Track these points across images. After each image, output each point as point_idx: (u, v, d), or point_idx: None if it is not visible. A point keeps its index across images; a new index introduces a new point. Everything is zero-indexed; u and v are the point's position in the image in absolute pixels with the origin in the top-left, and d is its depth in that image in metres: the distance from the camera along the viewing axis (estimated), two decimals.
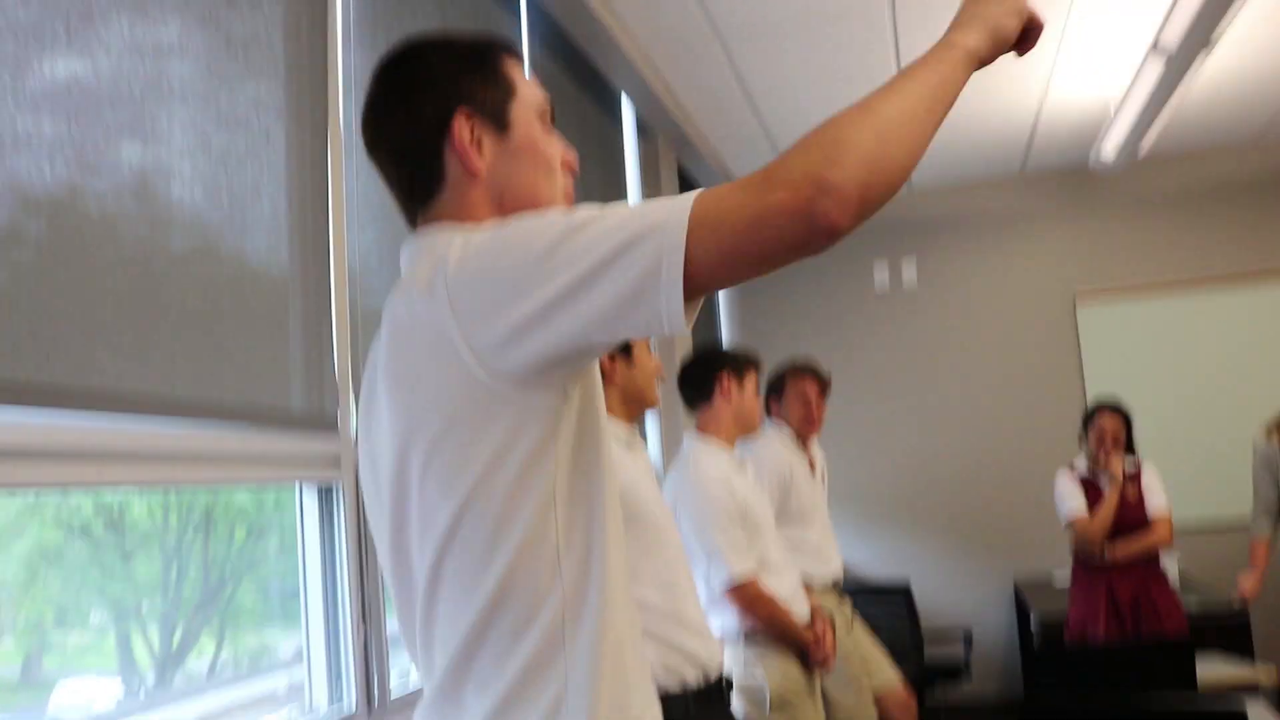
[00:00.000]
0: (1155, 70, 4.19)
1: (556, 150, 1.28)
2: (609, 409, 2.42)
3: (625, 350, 2.50)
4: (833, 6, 4.07)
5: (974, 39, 1.16)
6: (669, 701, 2.23)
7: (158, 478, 1.74)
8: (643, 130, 5.04)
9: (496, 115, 1.22)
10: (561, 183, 1.27)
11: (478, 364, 1.05)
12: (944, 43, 1.16)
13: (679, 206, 0.99)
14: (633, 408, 2.54)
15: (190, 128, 1.90)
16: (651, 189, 5.06)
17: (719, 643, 2.41)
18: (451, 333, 1.05)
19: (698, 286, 0.99)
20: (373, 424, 1.20)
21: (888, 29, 4.30)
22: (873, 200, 0.98)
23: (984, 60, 1.17)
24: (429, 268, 1.10)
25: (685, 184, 5.61)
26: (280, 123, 2.18)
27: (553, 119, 1.30)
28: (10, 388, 1.45)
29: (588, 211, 1.03)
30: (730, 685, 2.44)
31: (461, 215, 1.20)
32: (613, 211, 1.02)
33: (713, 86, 4.81)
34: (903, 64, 4.61)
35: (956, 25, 1.19)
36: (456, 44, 1.25)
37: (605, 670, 1.09)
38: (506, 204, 1.21)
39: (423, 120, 1.21)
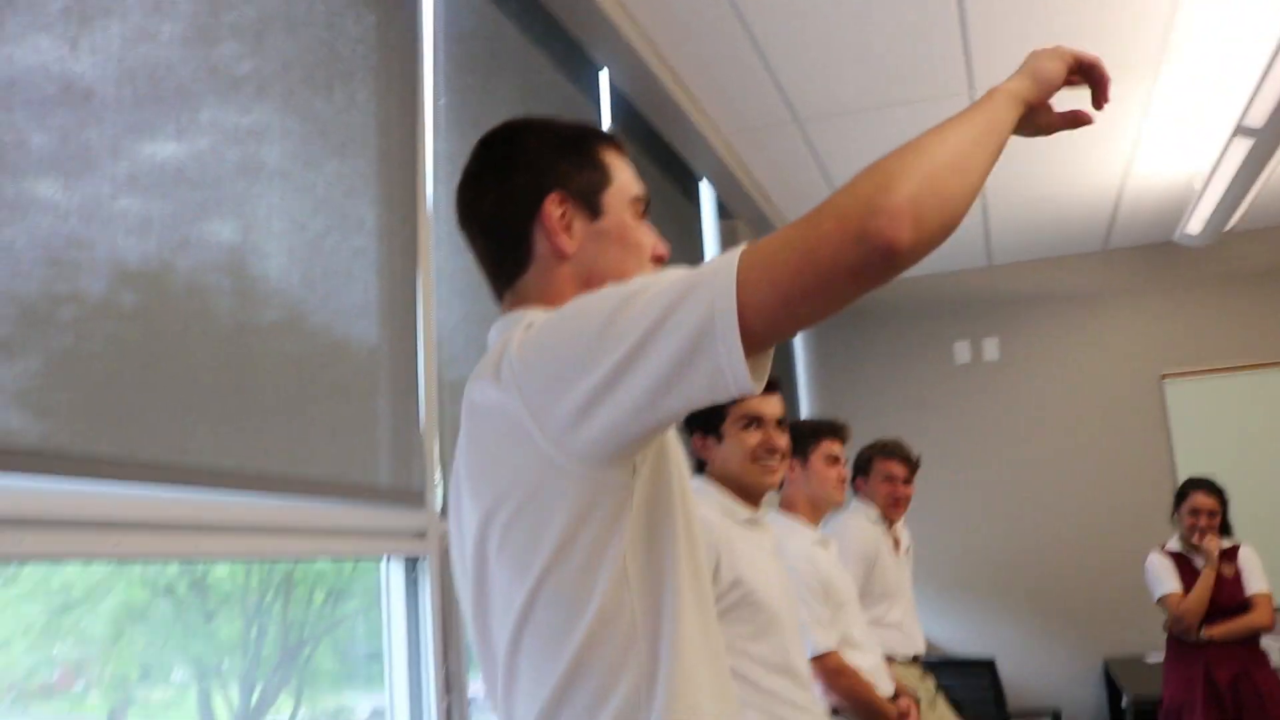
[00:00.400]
0: (1242, 148, 4.14)
1: (648, 239, 1.29)
2: (735, 495, 2.43)
3: (712, 430, 2.47)
4: (911, 91, 4.10)
5: (1014, 82, 1.18)
6: None
7: (249, 550, 1.79)
8: (723, 212, 5.10)
9: (590, 199, 1.24)
10: (650, 271, 1.26)
11: (550, 445, 1.05)
12: (990, 92, 1.17)
13: (728, 257, 0.97)
14: (743, 490, 2.47)
15: (284, 210, 1.97)
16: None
17: (817, 715, 2.37)
18: (521, 415, 1.06)
19: (757, 334, 0.95)
20: (460, 504, 1.23)
21: (965, 100, 4.32)
22: (928, 219, 0.94)
23: (1030, 101, 1.18)
24: (498, 351, 1.12)
25: None
26: (372, 206, 2.25)
27: (646, 210, 1.31)
28: (113, 462, 1.51)
29: (643, 280, 1.03)
30: None
31: (548, 296, 1.23)
32: (666, 274, 1.01)
33: (791, 168, 4.86)
34: None
35: (1010, 79, 1.21)
36: (557, 128, 1.29)
37: None
38: (593, 287, 1.18)
39: (515, 198, 1.24)
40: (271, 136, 1.97)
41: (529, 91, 3.16)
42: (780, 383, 2.46)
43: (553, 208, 1.22)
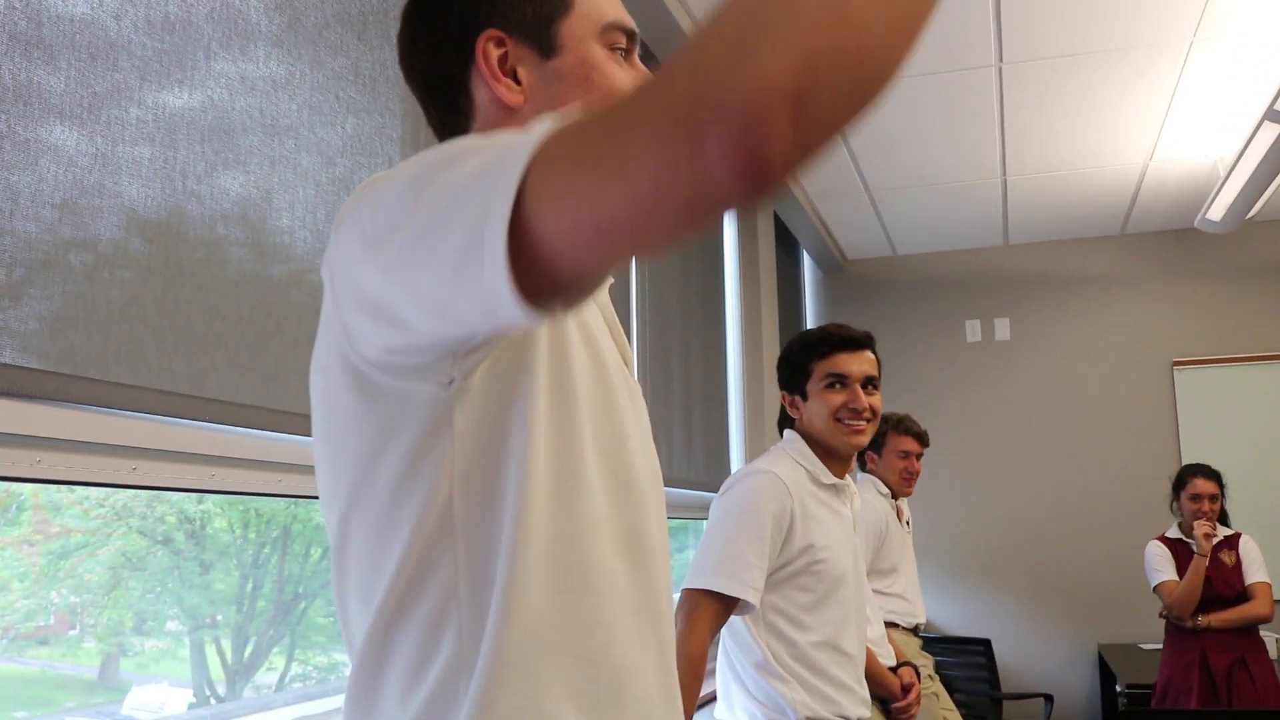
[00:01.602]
0: (1271, 133, 4.08)
1: (626, 80, 1.01)
2: (828, 459, 2.34)
3: (797, 388, 2.39)
4: (939, 59, 4.05)
5: None
6: None
7: (265, 485, 1.81)
8: None
9: (539, 34, 0.99)
10: None
11: (344, 337, 0.85)
12: None
13: (525, 142, 0.66)
14: (829, 452, 2.36)
15: (316, 152, 1.97)
16: (747, 235, 5.07)
17: (863, 699, 2.35)
18: (329, 296, 0.87)
19: (547, 264, 0.65)
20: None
21: (993, 80, 4.27)
22: (825, 98, 0.56)
23: None
24: None
25: (780, 231, 5.61)
26: (399, 150, 2.25)
27: (631, 45, 1.05)
28: (131, 388, 1.52)
29: (471, 144, 0.73)
30: None
31: None
32: (496, 141, 0.71)
33: None
34: (1006, 120, 4.57)
35: None
36: None
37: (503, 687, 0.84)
38: None
39: (446, 42, 1.01)
40: (308, 79, 1.95)
41: None
42: (873, 340, 2.41)
43: (488, 47, 0.99)
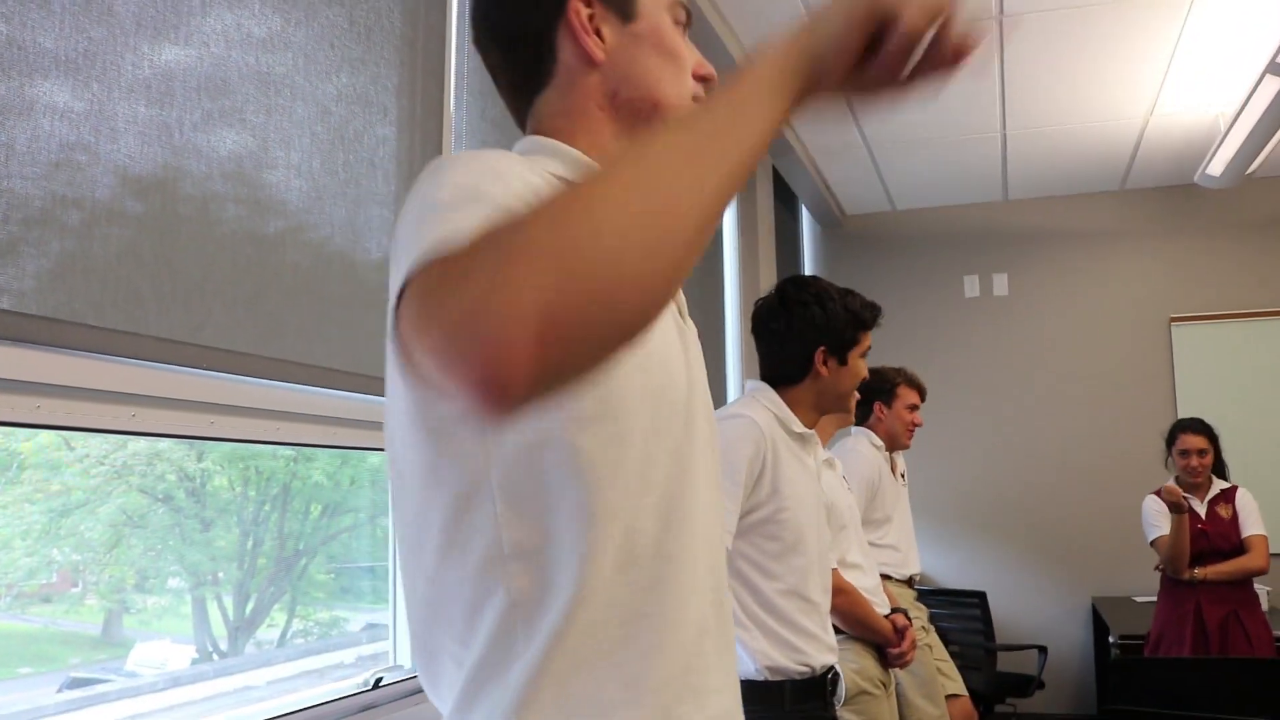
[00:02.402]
0: (1272, 87, 4.05)
1: (689, 53, 1.12)
2: (797, 409, 2.42)
3: (840, 356, 2.48)
4: None
5: (779, 55, 0.79)
6: (769, 687, 2.17)
7: (261, 433, 1.82)
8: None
9: (621, 1, 1.09)
10: (690, 87, 1.11)
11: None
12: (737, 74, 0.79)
13: (412, 261, 0.70)
14: (824, 412, 2.51)
15: (312, 103, 1.96)
16: (746, 190, 5.01)
17: (829, 645, 2.38)
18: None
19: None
20: None
21: (993, 32, 4.23)
22: (570, 339, 0.59)
23: (805, 85, 0.80)
24: None
25: (779, 186, 5.59)
26: (395, 101, 2.24)
27: (688, 24, 1.15)
28: (129, 334, 1.53)
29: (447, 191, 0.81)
30: (836, 680, 2.41)
31: (570, 114, 1.08)
32: (434, 207, 0.80)
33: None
34: (1006, 73, 4.53)
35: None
36: None
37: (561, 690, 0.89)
38: (622, 97, 1.08)
39: (535, 3, 1.08)
40: (303, 25, 1.94)
41: None
42: None
43: (579, 9, 1.07)
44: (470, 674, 0.90)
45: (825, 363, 2.45)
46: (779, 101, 0.77)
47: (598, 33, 1.07)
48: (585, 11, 1.07)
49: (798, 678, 2.23)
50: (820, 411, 2.49)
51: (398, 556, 0.98)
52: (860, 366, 2.51)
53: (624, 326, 0.61)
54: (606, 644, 0.90)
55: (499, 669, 0.89)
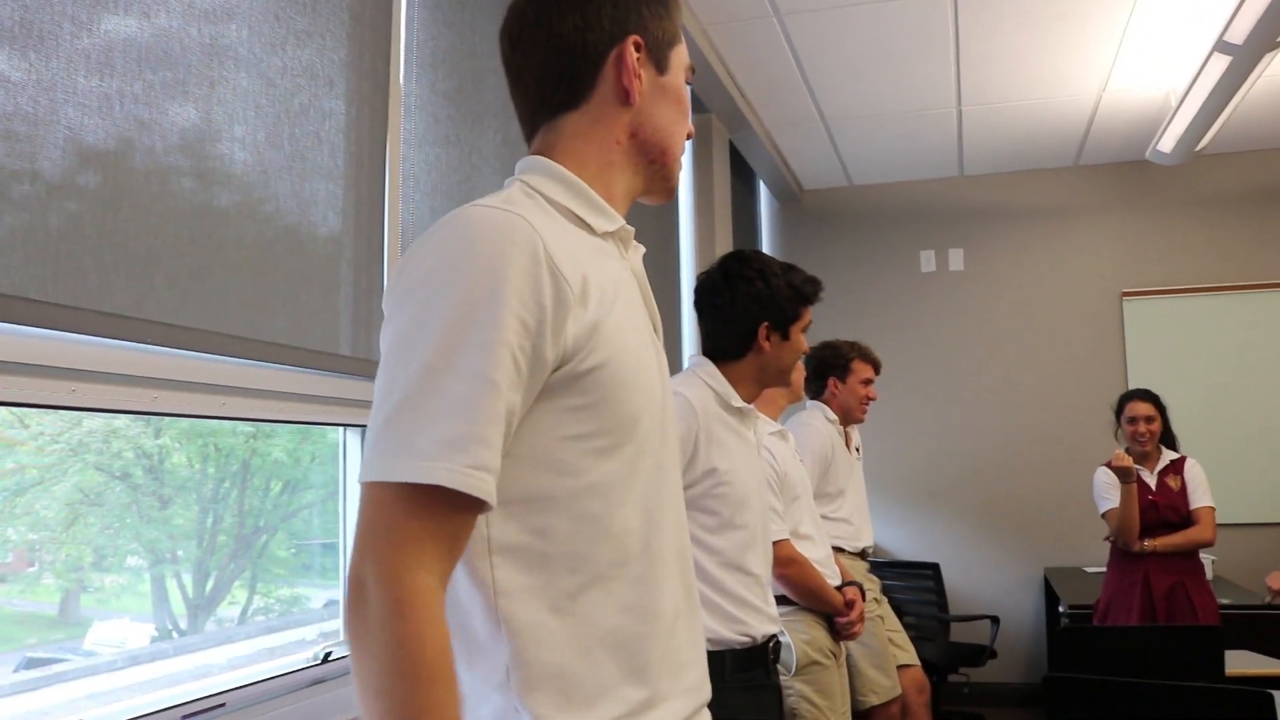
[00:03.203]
0: (1220, 64, 4.11)
1: (688, 111, 1.27)
2: (738, 384, 2.44)
3: (782, 331, 2.49)
4: None
5: None
6: (710, 658, 2.25)
7: (207, 408, 1.80)
8: (696, 105, 5.02)
9: (661, 53, 1.21)
10: (684, 141, 1.26)
11: None
12: None
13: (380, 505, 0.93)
14: (766, 385, 2.53)
15: (258, 75, 1.93)
16: (703, 165, 5.04)
17: (770, 616, 2.40)
18: None
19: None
20: None
21: (948, 9, 4.25)
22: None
23: None
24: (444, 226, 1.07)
25: (736, 161, 5.59)
26: (343, 74, 2.22)
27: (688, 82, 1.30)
28: (72, 309, 1.51)
29: (416, 361, 0.95)
30: (778, 649, 2.44)
31: (591, 139, 1.18)
32: (423, 389, 0.94)
33: (768, 62, 4.77)
34: (961, 49, 4.55)
35: None
36: None
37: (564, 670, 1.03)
38: (640, 137, 1.20)
39: (600, 26, 1.17)
40: (238, 15, 1.90)
41: None
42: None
43: (631, 52, 1.18)
44: (465, 662, 1.02)
45: (768, 338, 2.47)
46: None
47: (639, 75, 1.19)
48: (635, 54, 1.18)
49: (738, 648, 2.26)
50: (761, 385, 2.51)
51: None
52: (801, 341, 2.52)
53: None
54: (604, 631, 1.04)
55: (505, 654, 1.01)
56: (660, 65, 1.21)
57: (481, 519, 1.01)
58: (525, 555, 1.02)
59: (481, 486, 0.93)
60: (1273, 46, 3.81)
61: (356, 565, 0.91)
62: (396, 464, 0.91)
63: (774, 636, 2.37)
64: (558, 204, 1.12)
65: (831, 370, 3.93)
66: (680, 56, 1.25)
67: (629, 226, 1.20)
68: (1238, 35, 3.82)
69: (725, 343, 2.47)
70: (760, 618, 2.33)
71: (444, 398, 0.93)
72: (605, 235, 1.16)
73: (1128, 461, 4.18)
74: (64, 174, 1.51)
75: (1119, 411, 4.53)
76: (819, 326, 3.29)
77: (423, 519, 0.91)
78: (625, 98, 1.18)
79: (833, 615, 3.04)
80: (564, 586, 1.03)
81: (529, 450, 1.02)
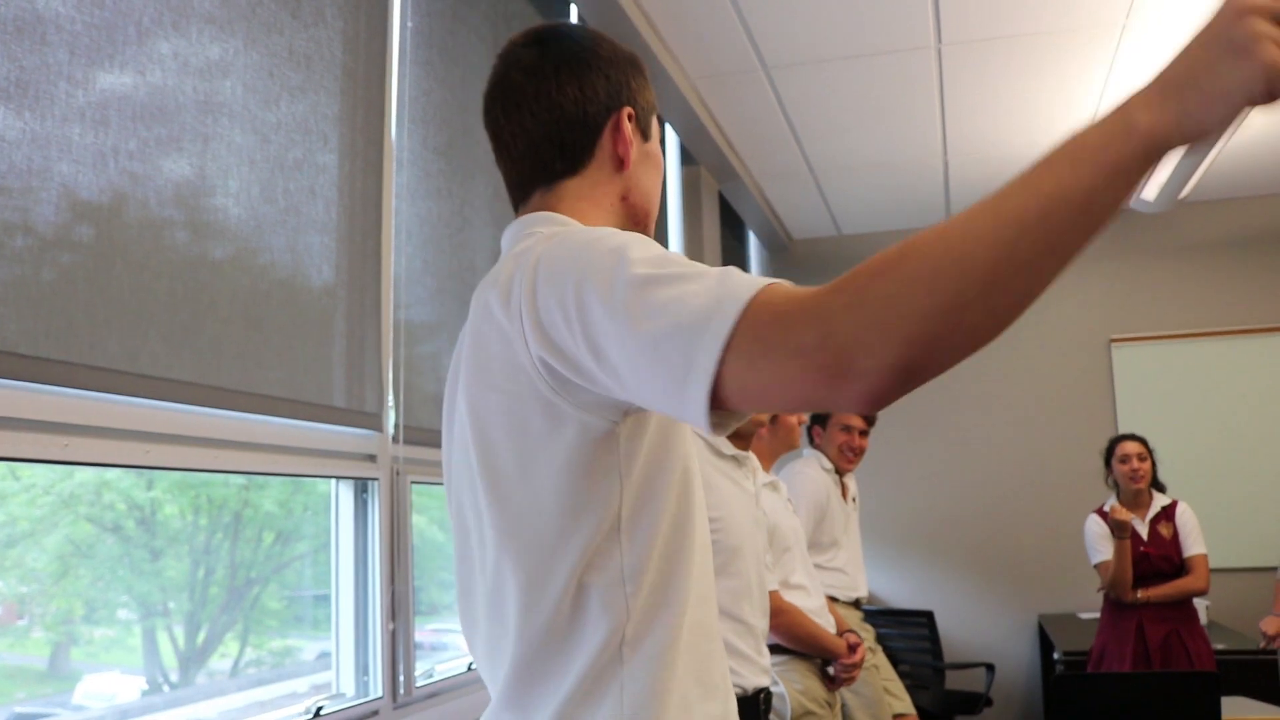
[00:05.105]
0: None
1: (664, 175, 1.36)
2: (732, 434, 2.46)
3: None
4: (879, 42, 4.09)
5: (1157, 113, 0.83)
6: None
7: (200, 461, 1.80)
8: (685, 158, 5.08)
9: (645, 123, 1.30)
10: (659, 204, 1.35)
11: (537, 376, 1.04)
12: (1117, 114, 0.84)
13: (729, 305, 0.88)
14: (751, 434, 2.54)
15: (252, 130, 1.96)
16: (693, 215, 5.09)
17: (762, 668, 2.39)
18: (518, 339, 1.04)
19: (724, 399, 0.89)
20: (454, 412, 1.22)
21: (932, 62, 4.32)
22: (929, 368, 0.80)
23: (1171, 141, 0.85)
24: (513, 266, 1.08)
25: (726, 212, 5.64)
26: (336, 129, 2.24)
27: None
28: (64, 364, 1.51)
29: (664, 267, 0.95)
30: (769, 701, 2.42)
31: (590, 201, 1.24)
32: (684, 282, 0.92)
33: (756, 116, 4.83)
34: (946, 100, 4.62)
35: (1146, 88, 0.85)
36: (621, 48, 1.31)
37: (667, 690, 1.07)
38: (630, 200, 1.27)
39: (597, 99, 1.24)
40: (241, 58, 1.94)
41: (498, 22, 3.13)
42: None
43: (625, 121, 1.25)
44: (577, 684, 1.06)
45: None
46: (1144, 161, 0.86)
47: (630, 143, 1.26)
48: (629, 124, 1.26)
49: None
50: (748, 434, 2.52)
51: (486, 594, 1.15)
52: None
53: (977, 346, 0.81)
54: (687, 651, 1.10)
55: (607, 679, 1.06)
56: (645, 133, 1.30)
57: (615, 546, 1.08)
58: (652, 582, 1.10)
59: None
60: None
61: (817, 339, 0.83)
62: (741, 288, 0.90)
63: (765, 689, 2.36)
64: None
65: (815, 419, 3.96)
66: (656, 125, 1.33)
67: None
68: None
69: None
70: (752, 668, 2.32)
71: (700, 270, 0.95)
72: None
73: (1126, 516, 4.17)
74: (57, 228, 1.53)
75: (1109, 455, 4.52)
76: None
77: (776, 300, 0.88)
78: (620, 165, 1.26)
79: (834, 659, 3.03)
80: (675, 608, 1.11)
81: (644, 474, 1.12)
